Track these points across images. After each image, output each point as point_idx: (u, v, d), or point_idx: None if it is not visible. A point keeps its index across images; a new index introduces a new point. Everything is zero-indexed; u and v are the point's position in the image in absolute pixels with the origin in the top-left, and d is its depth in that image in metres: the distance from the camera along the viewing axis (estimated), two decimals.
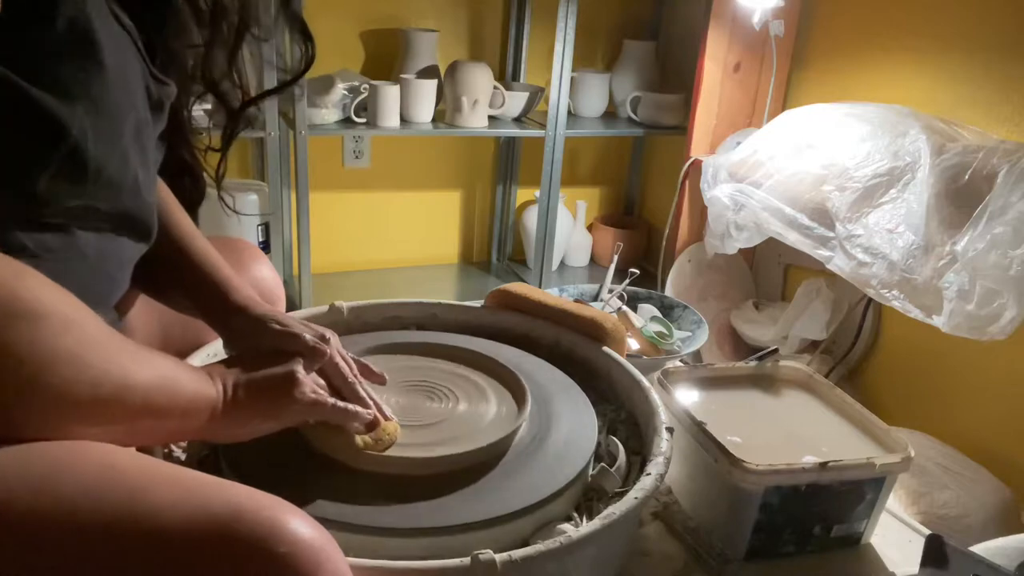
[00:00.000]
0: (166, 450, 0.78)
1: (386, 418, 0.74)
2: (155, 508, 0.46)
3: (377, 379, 0.79)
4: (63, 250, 0.56)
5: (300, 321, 0.73)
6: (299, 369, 0.67)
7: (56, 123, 0.51)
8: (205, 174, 0.80)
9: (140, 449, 0.72)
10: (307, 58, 0.74)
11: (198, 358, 0.85)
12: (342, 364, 0.73)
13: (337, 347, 0.73)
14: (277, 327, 0.71)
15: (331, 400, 0.68)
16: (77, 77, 0.52)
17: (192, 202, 0.80)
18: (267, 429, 0.67)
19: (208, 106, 0.75)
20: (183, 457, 0.78)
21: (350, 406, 0.70)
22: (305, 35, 0.73)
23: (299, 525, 0.48)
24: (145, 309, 0.82)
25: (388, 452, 0.72)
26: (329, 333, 0.72)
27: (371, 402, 0.73)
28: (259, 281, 0.92)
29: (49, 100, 0.50)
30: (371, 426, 0.72)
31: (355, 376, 0.74)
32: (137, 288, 0.74)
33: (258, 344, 0.70)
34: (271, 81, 1.66)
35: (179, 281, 0.76)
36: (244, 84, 0.72)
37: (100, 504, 0.46)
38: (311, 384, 0.68)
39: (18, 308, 0.46)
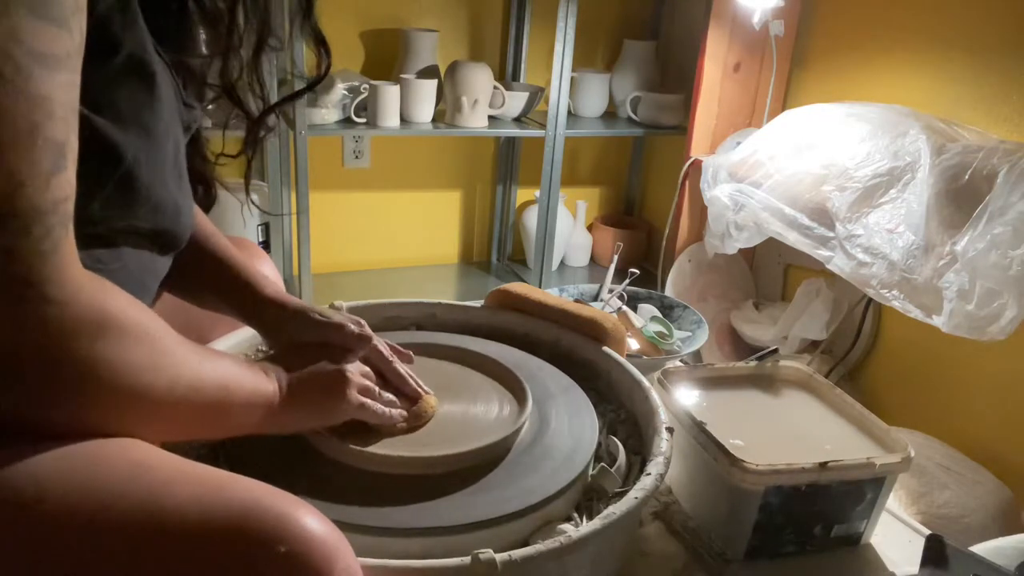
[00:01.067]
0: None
1: (425, 392, 0.80)
2: (175, 504, 0.47)
3: (405, 357, 0.83)
4: (112, 264, 0.59)
5: (334, 311, 0.78)
6: (349, 368, 0.71)
7: (114, 149, 0.54)
8: (218, 181, 0.81)
9: None
10: (325, 67, 0.77)
11: None
12: (380, 346, 0.78)
13: (370, 332, 0.77)
14: (320, 318, 0.75)
15: (377, 406, 0.73)
16: (132, 106, 0.56)
17: (205, 209, 0.82)
18: (315, 424, 0.71)
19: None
20: None
21: (393, 412, 0.75)
22: (322, 46, 0.75)
23: (312, 522, 0.49)
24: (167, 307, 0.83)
25: (388, 452, 0.72)
26: (362, 320, 0.77)
27: (410, 379, 0.79)
28: None
29: (108, 127, 0.53)
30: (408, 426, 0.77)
31: (392, 356, 0.79)
32: (162, 289, 0.76)
33: (301, 336, 0.75)
34: (275, 86, 1.66)
35: (208, 280, 0.79)
36: (265, 93, 0.74)
37: (126, 500, 0.47)
38: (360, 381, 0.72)
39: (107, 321, 0.49)
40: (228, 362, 0.62)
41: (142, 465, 0.50)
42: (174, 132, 0.63)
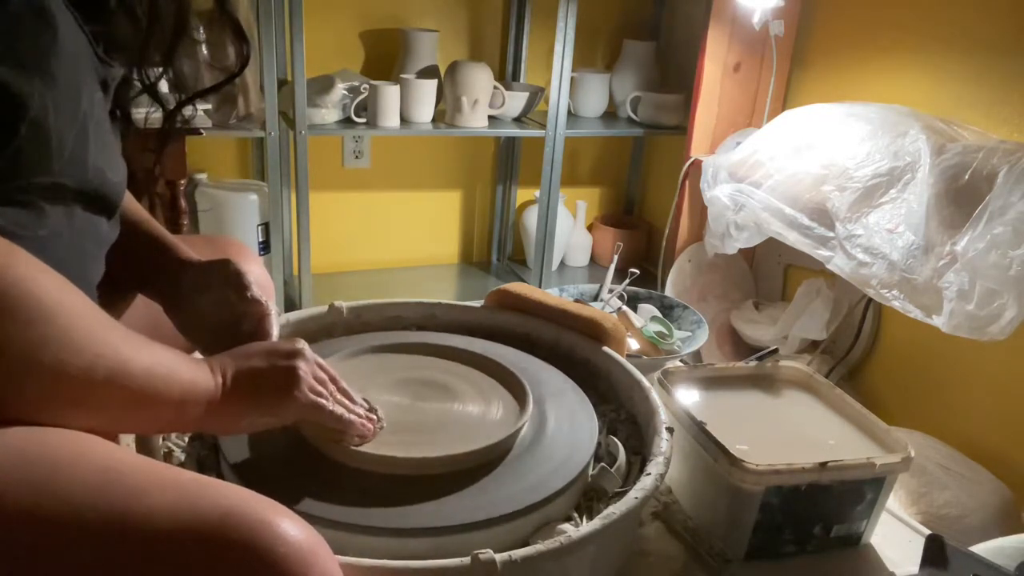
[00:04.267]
0: (165, 450, 0.78)
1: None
2: (149, 510, 0.46)
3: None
4: (37, 226, 0.56)
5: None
6: (300, 364, 0.66)
7: (15, 97, 0.51)
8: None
9: (140, 450, 0.72)
10: (242, 59, 0.75)
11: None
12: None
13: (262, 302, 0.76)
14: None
15: (330, 406, 0.68)
16: (34, 53, 0.52)
17: (136, 195, 0.80)
18: (265, 424, 0.66)
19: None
20: (183, 457, 0.78)
21: (348, 416, 0.70)
22: (240, 37, 0.74)
23: (289, 527, 0.48)
24: (137, 313, 0.82)
25: (388, 452, 0.72)
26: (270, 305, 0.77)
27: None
28: None
29: (9, 74, 0.50)
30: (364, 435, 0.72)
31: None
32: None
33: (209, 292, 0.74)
34: (275, 87, 1.66)
35: (127, 248, 0.74)
36: (181, 85, 0.72)
37: (97, 505, 0.46)
38: (311, 382, 0.67)
39: (9, 286, 0.46)
40: (162, 351, 0.57)
41: (112, 470, 0.48)
42: (89, 86, 0.60)
